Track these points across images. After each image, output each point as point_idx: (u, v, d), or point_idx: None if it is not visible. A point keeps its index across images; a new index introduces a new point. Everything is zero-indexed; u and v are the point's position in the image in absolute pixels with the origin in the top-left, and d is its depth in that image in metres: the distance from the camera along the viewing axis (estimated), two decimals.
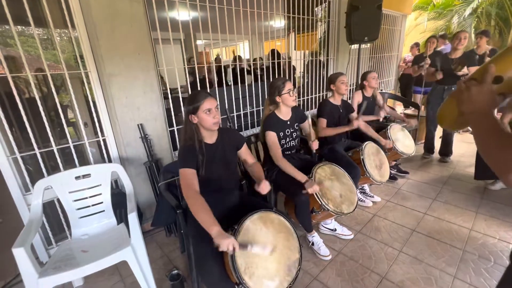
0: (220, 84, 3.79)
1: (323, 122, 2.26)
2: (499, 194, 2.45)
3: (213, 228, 1.09)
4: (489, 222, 2.06)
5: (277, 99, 1.82)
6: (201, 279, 1.47)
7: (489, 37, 3.44)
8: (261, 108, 2.90)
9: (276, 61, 2.99)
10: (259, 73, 3.07)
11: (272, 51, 3.55)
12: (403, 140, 2.59)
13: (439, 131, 3.24)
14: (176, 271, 1.60)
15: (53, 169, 1.91)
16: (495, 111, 0.63)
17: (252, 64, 3.28)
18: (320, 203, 1.63)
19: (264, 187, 1.39)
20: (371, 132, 2.41)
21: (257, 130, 2.81)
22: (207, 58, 7.12)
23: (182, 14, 2.13)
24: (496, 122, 0.59)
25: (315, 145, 1.99)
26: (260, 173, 1.50)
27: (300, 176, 1.67)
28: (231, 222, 1.23)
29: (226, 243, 1.02)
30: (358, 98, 2.69)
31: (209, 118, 1.29)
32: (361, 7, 2.70)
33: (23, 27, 2.67)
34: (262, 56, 4.31)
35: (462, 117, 0.68)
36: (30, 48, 2.78)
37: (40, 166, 1.69)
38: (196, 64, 2.38)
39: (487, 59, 3.58)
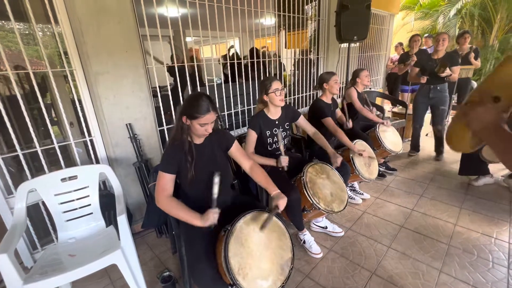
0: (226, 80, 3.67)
1: (332, 121, 2.24)
2: (482, 190, 2.54)
3: (196, 220, 1.18)
4: (473, 217, 2.14)
5: (265, 97, 1.83)
6: (194, 280, 1.46)
7: (470, 36, 3.57)
8: (252, 106, 2.89)
9: (255, 60, 2.94)
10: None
11: (251, 49, 3.54)
12: (391, 138, 2.64)
13: (426, 129, 3.32)
14: (167, 273, 1.58)
15: (37, 170, 1.84)
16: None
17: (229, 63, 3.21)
18: (311, 202, 1.65)
19: (282, 204, 1.30)
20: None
21: None
22: (197, 56, 7.02)
23: (171, 11, 2.08)
24: (510, 133, 0.61)
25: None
26: (265, 178, 1.43)
27: (271, 162, 1.80)
28: (223, 222, 1.23)
29: (211, 218, 1.15)
30: (354, 94, 2.71)
31: (201, 129, 1.27)
32: (351, 6, 2.72)
33: (3, 21, 2.55)
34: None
35: (475, 137, 0.70)
36: (10, 43, 2.66)
37: (23, 168, 1.62)
38: (186, 62, 2.33)
39: (472, 55, 3.70)
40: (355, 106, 2.70)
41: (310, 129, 2.05)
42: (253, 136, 1.82)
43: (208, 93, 1.46)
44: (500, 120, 0.64)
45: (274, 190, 1.38)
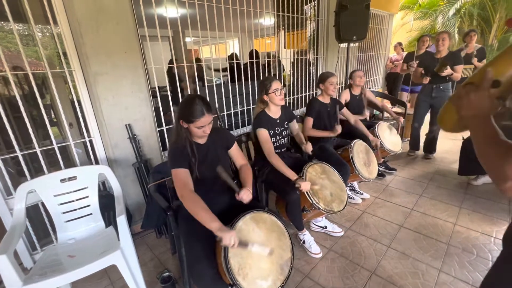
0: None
1: (310, 121, 2.29)
2: (481, 189, 2.55)
3: (214, 224, 1.10)
4: (472, 216, 2.14)
5: (265, 98, 1.84)
6: (193, 281, 1.46)
7: (476, 34, 3.58)
8: (251, 107, 2.89)
9: (254, 60, 2.93)
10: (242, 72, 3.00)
11: (251, 51, 3.54)
12: (390, 138, 2.64)
13: (424, 129, 3.32)
14: (167, 273, 1.58)
15: (37, 171, 1.84)
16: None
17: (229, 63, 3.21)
18: (311, 202, 1.65)
19: (245, 197, 1.32)
20: (361, 126, 2.47)
21: (247, 129, 2.80)
22: (196, 56, 7.03)
23: (170, 11, 2.08)
24: (494, 128, 0.60)
25: (309, 147, 1.98)
26: (247, 177, 1.46)
27: (291, 174, 1.69)
28: (223, 222, 1.22)
29: (228, 236, 1.04)
30: (345, 96, 2.74)
31: (199, 131, 1.28)
32: (350, 6, 2.72)
33: (2, 22, 2.55)
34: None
35: (462, 121, 0.69)
36: (9, 44, 2.66)
37: (23, 169, 1.62)
38: (185, 62, 2.33)
39: (475, 59, 3.69)
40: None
41: (297, 132, 2.11)
42: (266, 134, 1.81)
43: (207, 94, 1.46)
44: (490, 111, 0.62)
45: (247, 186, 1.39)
